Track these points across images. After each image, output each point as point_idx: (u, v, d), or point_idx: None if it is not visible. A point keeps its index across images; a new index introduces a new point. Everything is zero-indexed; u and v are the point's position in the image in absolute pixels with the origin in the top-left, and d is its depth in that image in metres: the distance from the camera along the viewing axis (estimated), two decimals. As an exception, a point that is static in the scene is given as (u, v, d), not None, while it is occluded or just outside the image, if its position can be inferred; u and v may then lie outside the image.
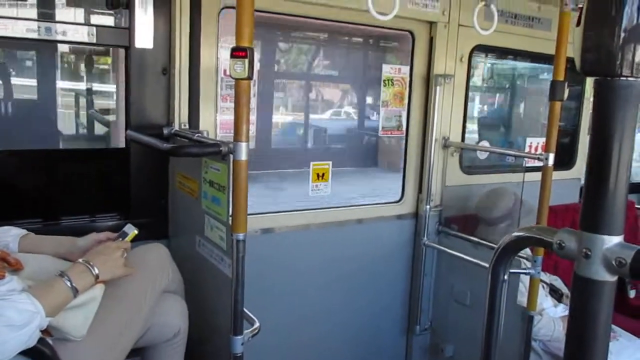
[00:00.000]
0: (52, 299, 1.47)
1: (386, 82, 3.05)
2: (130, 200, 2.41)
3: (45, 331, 1.49)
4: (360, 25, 2.89)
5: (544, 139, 2.65)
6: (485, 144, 3.58)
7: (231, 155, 1.67)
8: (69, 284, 1.53)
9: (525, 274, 2.54)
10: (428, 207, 3.11)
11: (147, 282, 1.83)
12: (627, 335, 2.94)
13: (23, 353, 1.40)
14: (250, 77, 1.57)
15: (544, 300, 2.95)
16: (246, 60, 1.55)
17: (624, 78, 0.63)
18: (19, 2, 2.57)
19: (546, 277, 3.16)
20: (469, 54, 3.13)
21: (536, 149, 3.41)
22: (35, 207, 2.35)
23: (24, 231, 1.88)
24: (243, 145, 1.62)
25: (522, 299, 2.62)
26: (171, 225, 2.45)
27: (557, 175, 2.55)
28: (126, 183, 2.41)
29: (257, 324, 1.78)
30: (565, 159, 3.82)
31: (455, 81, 3.09)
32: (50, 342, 1.51)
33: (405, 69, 3.08)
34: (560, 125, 3.04)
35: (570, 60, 2.43)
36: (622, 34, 0.63)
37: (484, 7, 2.55)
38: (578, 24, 0.67)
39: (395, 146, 3.28)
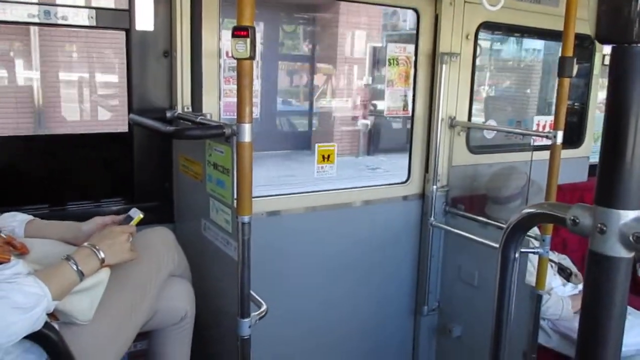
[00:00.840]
0: (58, 282, 1.47)
1: (391, 61, 3.00)
2: (134, 185, 2.40)
3: (52, 315, 1.49)
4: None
5: (552, 117, 2.61)
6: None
7: (235, 137, 1.64)
8: (75, 267, 1.52)
9: (534, 253, 2.52)
10: (435, 187, 3.08)
11: (153, 267, 1.83)
12: (636, 312, 2.93)
13: (29, 337, 1.39)
14: (252, 57, 1.54)
15: (553, 279, 2.93)
16: (248, 40, 1.51)
17: (642, 45, 0.60)
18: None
19: (554, 256, 3.14)
20: (475, 32, 3.08)
21: (544, 127, 3.37)
22: (40, 192, 2.35)
23: (30, 217, 1.87)
24: (246, 126, 1.60)
25: (531, 278, 2.60)
26: (176, 209, 2.44)
27: (565, 154, 2.52)
28: (130, 167, 2.39)
29: (264, 307, 1.78)
30: (573, 138, 3.78)
31: (461, 59, 3.04)
32: (56, 326, 1.51)
33: (410, 48, 3.03)
34: (569, 103, 3.00)
35: (578, 37, 2.37)
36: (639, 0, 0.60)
37: (490, -18, 2.50)
38: (593, -11, 0.64)
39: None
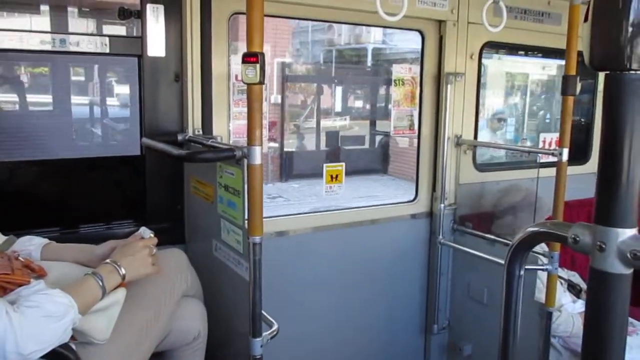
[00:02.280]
0: (83, 296, 1.51)
1: (397, 82, 3.05)
2: (146, 207, 2.44)
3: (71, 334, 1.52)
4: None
5: (557, 134, 2.64)
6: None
7: (245, 160, 1.68)
8: (100, 282, 1.57)
9: (542, 270, 2.52)
10: (442, 205, 3.10)
11: (166, 287, 1.86)
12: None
13: (47, 356, 1.42)
14: (262, 82, 1.58)
15: (563, 296, 2.93)
16: (257, 65, 1.56)
17: (634, 72, 0.63)
18: (34, 15, 2.62)
19: (564, 272, 3.14)
20: (480, 51, 3.13)
21: (550, 144, 3.39)
22: (53, 215, 2.39)
23: (46, 240, 1.91)
24: (257, 149, 1.64)
25: (540, 295, 2.60)
26: (187, 230, 2.48)
27: (572, 170, 2.54)
28: (142, 189, 2.44)
29: (275, 326, 1.80)
30: (580, 154, 3.80)
31: (466, 79, 3.09)
32: (74, 346, 1.54)
33: (416, 69, 3.08)
34: (574, 119, 3.02)
35: (581, 54, 2.41)
36: (630, 28, 0.63)
37: (492, 4, 2.55)
38: (586, 19, 0.67)
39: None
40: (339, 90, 12.14)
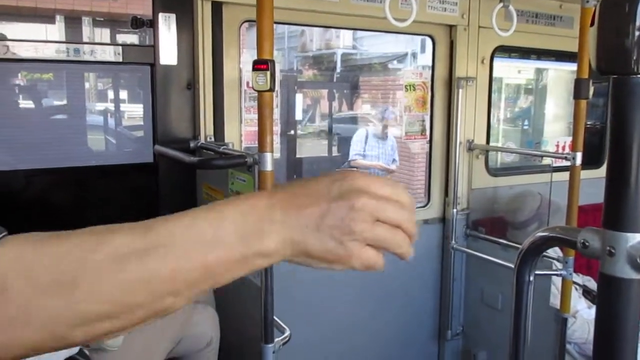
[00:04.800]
0: None
1: (408, 87, 3.05)
2: (159, 213, 2.45)
3: (83, 342, 1.54)
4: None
5: (571, 138, 2.62)
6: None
7: (256, 166, 1.69)
8: None
9: (556, 275, 2.50)
10: (455, 210, 3.09)
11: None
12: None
13: (62, 364, 1.44)
14: (272, 89, 1.60)
15: (578, 302, 2.89)
16: (268, 73, 1.58)
17: (640, 76, 0.63)
18: (49, 25, 2.66)
19: (579, 278, 3.10)
20: (491, 56, 3.11)
21: (563, 148, 3.37)
22: (67, 223, 2.41)
23: None
24: (268, 155, 1.65)
25: (555, 301, 2.58)
26: (200, 237, 2.49)
27: (586, 174, 2.51)
28: (155, 196, 2.46)
29: (287, 332, 1.80)
30: (594, 158, 3.76)
31: (477, 83, 3.07)
32: (87, 352, 1.56)
33: (427, 74, 3.08)
34: (589, 123, 3.00)
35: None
36: (637, 32, 0.63)
37: (503, 9, 2.54)
38: (592, 23, 0.67)
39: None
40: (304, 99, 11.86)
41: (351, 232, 0.57)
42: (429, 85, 3.08)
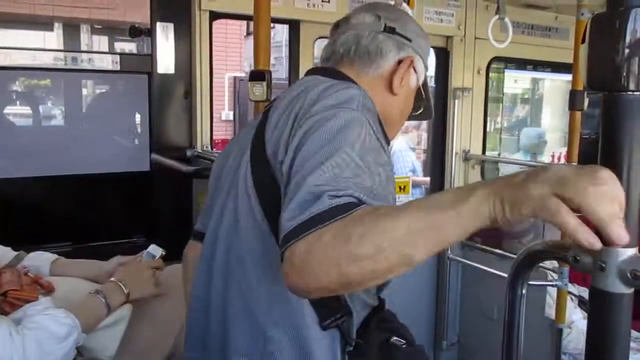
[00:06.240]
0: (87, 315, 1.51)
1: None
2: (156, 222, 2.45)
3: (77, 351, 1.53)
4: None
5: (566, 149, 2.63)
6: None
7: (252, 176, 1.69)
8: (104, 300, 1.57)
9: (551, 286, 2.50)
10: (451, 220, 3.09)
11: (174, 304, 1.86)
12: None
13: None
14: (269, 99, 1.60)
15: (573, 313, 2.89)
16: (264, 83, 1.59)
17: (631, 92, 0.64)
18: (47, 32, 2.67)
19: (574, 288, 3.10)
20: (487, 66, 3.13)
21: (559, 159, 3.38)
22: (63, 231, 2.41)
23: (55, 256, 1.93)
24: (263, 165, 1.65)
25: (551, 311, 2.57)
26: (196, 246, 2.48)
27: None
28: (152, 205, 2.46)
29: (282, 342, 1.79)
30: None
31: (473, 94, 3.09)
32: (81, 363, 1.55)
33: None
34: (585, 133, 3.01)
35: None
36: (627, 49, 0.64)
37: (498, 20, 2.56)
38: (583, 40, 0.68)
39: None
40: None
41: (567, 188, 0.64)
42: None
